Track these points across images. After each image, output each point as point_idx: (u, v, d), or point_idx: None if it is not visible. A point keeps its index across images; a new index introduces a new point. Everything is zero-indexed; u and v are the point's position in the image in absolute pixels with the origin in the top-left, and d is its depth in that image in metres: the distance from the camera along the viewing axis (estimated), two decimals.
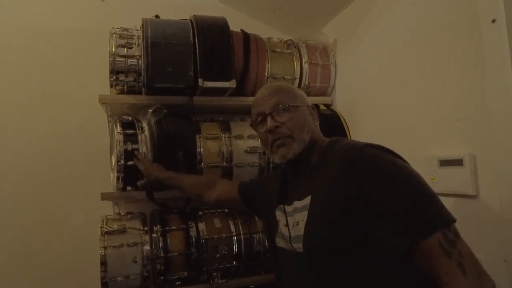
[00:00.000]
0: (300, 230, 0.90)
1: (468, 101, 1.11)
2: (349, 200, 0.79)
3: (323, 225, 0.85)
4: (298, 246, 0.89)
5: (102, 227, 1.44)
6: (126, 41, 1.53)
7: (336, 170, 0.86)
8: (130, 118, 1.54)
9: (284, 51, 1.75)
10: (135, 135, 1.47)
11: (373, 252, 0.77)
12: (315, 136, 0.99)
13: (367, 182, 0.78)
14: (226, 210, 1.64)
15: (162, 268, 1.44)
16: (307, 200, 0.90)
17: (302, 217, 0.90)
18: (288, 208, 0.97)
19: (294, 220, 0.94)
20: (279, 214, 1.01)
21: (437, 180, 1.17)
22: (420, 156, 1.23)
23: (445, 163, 1.16)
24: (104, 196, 1.46)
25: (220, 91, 1.57)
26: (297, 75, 1.74)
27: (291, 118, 0.96)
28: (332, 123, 1.71)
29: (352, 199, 0.79)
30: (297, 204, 0.94)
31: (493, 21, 0.99)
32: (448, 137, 1.19)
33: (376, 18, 1.56)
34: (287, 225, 0.96)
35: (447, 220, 0.73)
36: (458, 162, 1.11)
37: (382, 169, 0.79)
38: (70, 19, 1.85)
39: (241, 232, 1.56)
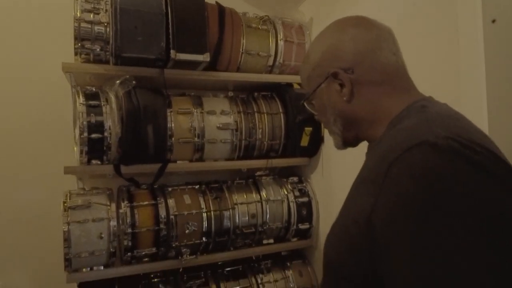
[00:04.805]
0: None
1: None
2: (361, 223, 0.56)
3: (335, 235, 0.66)
4: None
5: (65, 202, 1.38)
6: (92, 6, 1.43)
7: (372, 170, 0.60)
8: (94, 89, 1.46)
9: (259, 27, 1.71)
10: (100, 106, 1.40)
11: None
12: (350, 112, 0.70)
13: (382, 214, 0.52)
14: (197, 186, 1.62)
15: (130, 244, 1.41)
16: None
17: None
18: None
19: None
20: None
21: None
22: None
23: None
24: (68, 170, 1.39)
25: (193, 65, 1.52)
26: (272, 52, 1.71)
27: (316, 111, 0.79)
28: None
29: (363, 223, 0.55)
30: None
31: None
32: None
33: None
34: None
35: None
36: None
37: (407, 203, 0.49)
38: None
39: (212, 209, 1.55)
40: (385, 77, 0.68)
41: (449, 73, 1.12)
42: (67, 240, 1.32)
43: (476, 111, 1.01)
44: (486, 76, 0.99)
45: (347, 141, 0.76)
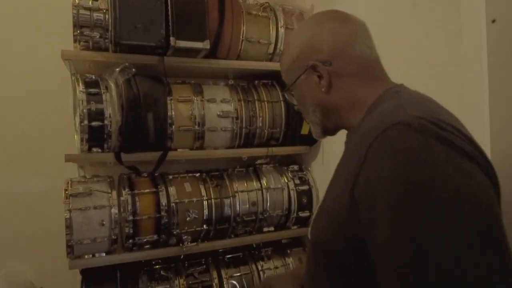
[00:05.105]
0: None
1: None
2: (345, 203, 0.59)
3: (321, 218, 0.69)
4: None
5: (66, 190, 1.39)
6: None
7: (352, 153, 0.62)
8: (94, 77, 1.46)
9: (260, 14, 1.69)
10: (100, 94, 1.40)
11: (354, 274, 0.61)
12: (329, 103, 0.74)
13: (363, 192, 0.55)
14: (197, 174, 1.62)
15: (131, 231, 1.42)
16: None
17: None
18: None
19: None
20: None
21: None
22: None
23: None
24: (69, 158, 1.39)
25: (193, 52, 1.51)
26: (273, 39, 1.70)
27: (297, 102, 0.83)
28: None
29: (347, 202, 0.58)
30: None
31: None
32: None
33: None
34: None
35: None
36: None
37: (386, 182, 0.52)
38: None
39: (212, 197, 1.55)
40: (361, 69, 0.71)
41: (451, 73, 1.11)
42: (69, 227, 1.33)
43: (478, 110, 1.00)
44: (489, 76, 0.98)
45: (327, 130, 0.80)
